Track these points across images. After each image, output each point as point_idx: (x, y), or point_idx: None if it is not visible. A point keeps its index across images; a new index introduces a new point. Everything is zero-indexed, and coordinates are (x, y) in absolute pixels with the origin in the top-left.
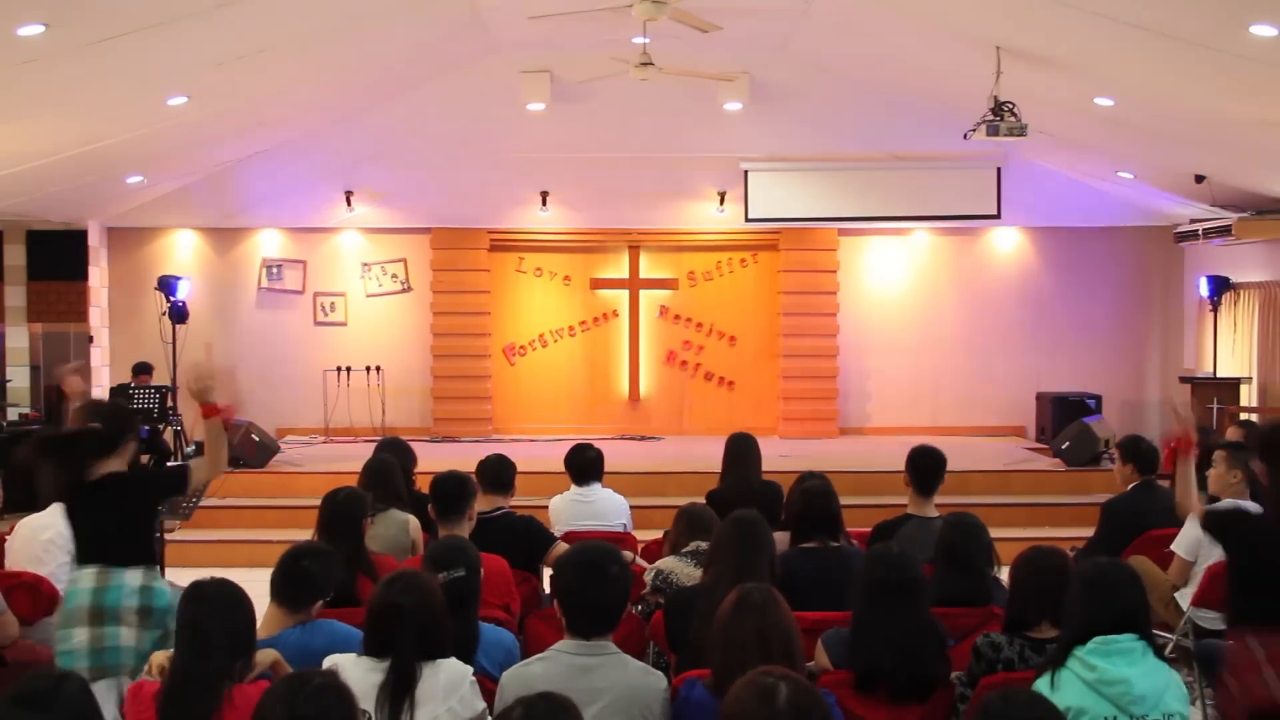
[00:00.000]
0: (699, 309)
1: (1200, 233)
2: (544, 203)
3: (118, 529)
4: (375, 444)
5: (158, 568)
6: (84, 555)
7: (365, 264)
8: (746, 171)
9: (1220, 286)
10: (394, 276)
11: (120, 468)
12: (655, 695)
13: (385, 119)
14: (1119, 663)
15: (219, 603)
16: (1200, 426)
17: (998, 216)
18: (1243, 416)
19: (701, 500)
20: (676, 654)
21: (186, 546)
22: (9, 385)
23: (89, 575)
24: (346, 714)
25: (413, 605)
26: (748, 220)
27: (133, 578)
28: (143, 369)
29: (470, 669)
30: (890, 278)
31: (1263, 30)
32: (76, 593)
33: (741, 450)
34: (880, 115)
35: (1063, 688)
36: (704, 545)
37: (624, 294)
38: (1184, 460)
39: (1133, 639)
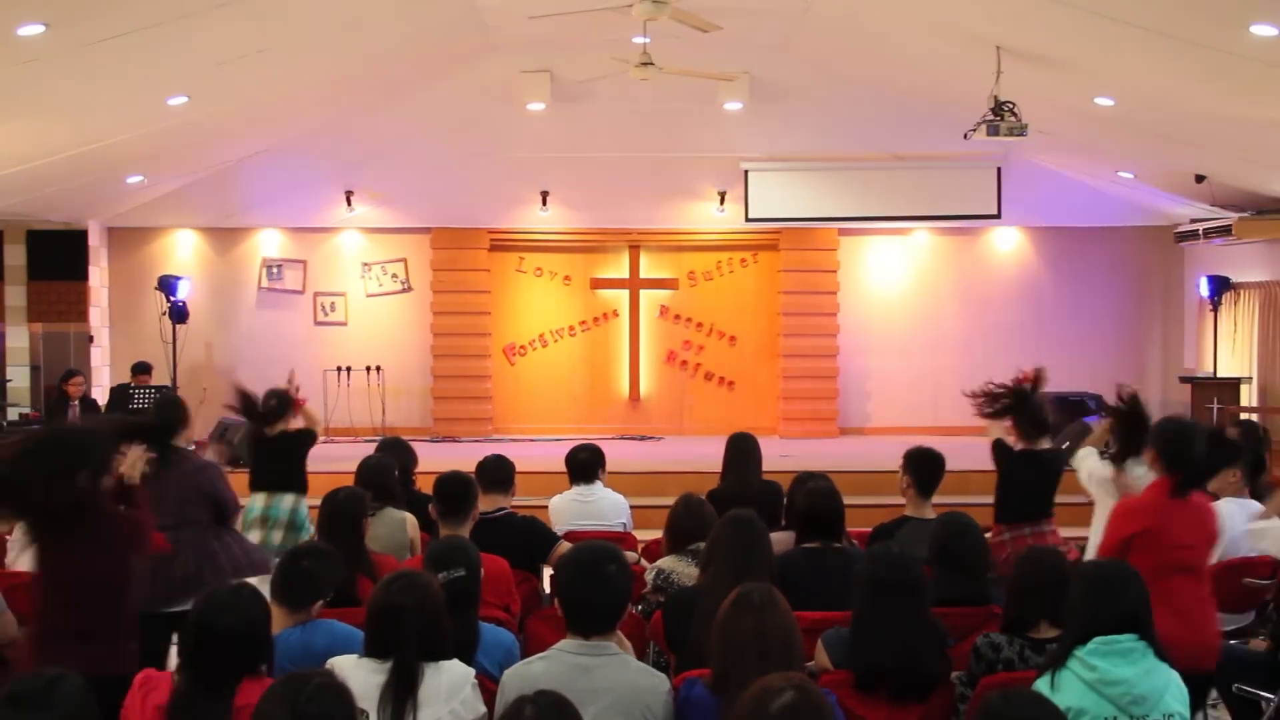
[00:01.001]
0: (699, 309)
1: (1200, 233)
2: (544, 203)
3: (282, 467)
4: (376, 444)
5: (304, 493)
6: (257, 485)
7: (365, 264)
8: (746, 171)
9: (1220, 286)
10: (394, 276)
11: (284, 429)
12: (657, 696)
13: (385, 119)
14: (1119, 663)
15: (226, 607)
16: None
17: (998, 216)
18: (1243, 416)
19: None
20: (676, 654)
21: None
22: (9, 385)
23: (261, 497)
24: (346, 714)
25: (413, 606)
26: (748, 220)
27: (287, 500)
28: (141, 369)
29: (472, 671)
30: (890, 278)
31: (1263, 30)
32: (253, 508)
33: (742, 450)
34: (880, 115)
35: (1063, 688)
36: (703, 545)
37: (624, 294)
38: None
39: (1133, 639)
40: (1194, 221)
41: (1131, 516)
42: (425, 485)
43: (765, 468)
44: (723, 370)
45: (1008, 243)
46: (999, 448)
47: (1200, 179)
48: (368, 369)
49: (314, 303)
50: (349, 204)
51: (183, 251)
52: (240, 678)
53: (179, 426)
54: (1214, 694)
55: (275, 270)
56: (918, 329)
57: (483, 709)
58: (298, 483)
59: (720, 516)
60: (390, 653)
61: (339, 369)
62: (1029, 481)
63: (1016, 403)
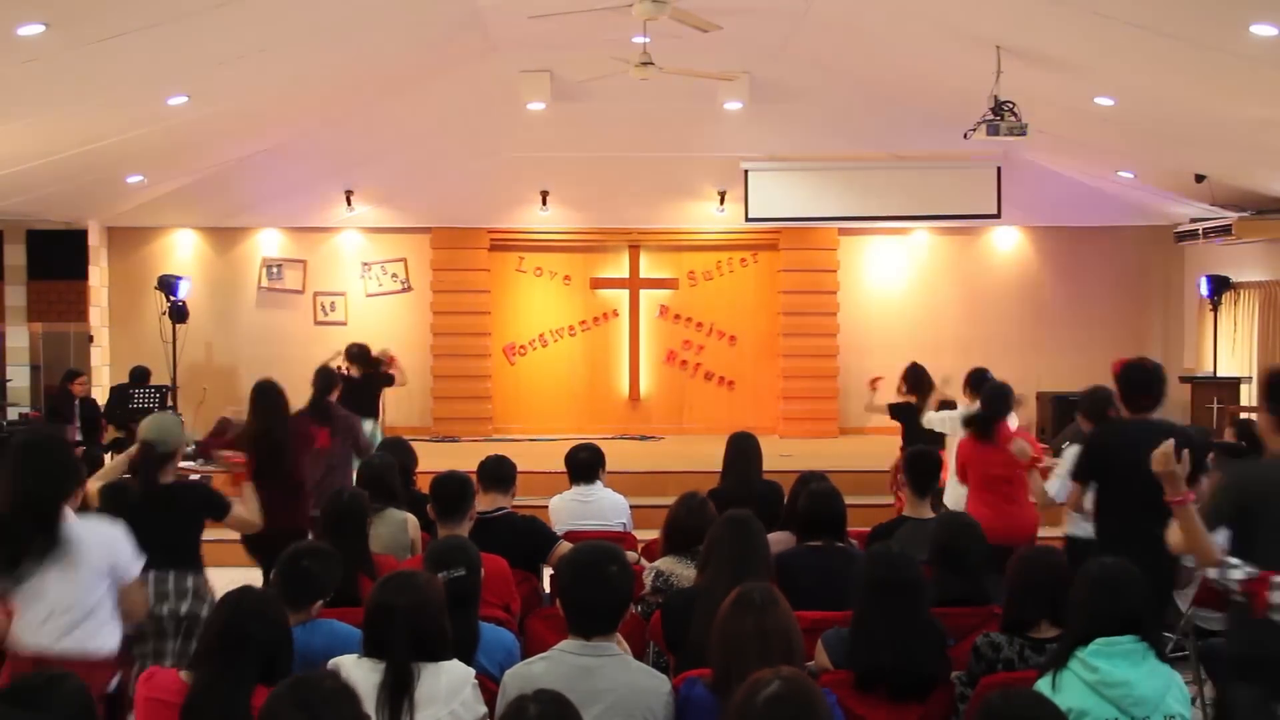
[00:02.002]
0: (699, 309)
1: (1200, 232)
2: (544, 202)
3: (361, 400)
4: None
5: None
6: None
7: (365, 264)
8: (746, 171)
9: (1220, 286)
10: (394, 276)
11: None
12: (658, 697)
13: (385, 119)
14: (1121, 664)
15: (259, 613)
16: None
17: (998, 216)
18: (1242, 416)
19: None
20: (674, 655)
21: None
22: (9, 385)
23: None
24: (355, 717)
25: (405, 605)
26: (748, 220)
27: (366, 424)
28: (140, 375)
29: (472, 671)
30: (890, 278)
31: (1263, 30)
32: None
33: (742, 450)
34: (880, 115)
35: (1064, 689)
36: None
37: (624, 294)
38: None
39: (1135, 640)
40: (1194, 221)
41: (962, 451)
42: (425, 485)
43: (765, 468)
44: (723, 370)
45: (1008, 242)
46: (895, 409)
47: (1200, 179)
48: None
49: (314, 302)
50: (349, 204)
51: (183, 251)
52: (256, 682)
53: (335, 387)
54: (1214, 694)
55: (275, 270)
56: (918, 329)
57: (483, 709)
58: (372, 412)
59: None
60: (385, 652)
61: (339, 369)
62: (920, 426)
63: (910, 377)
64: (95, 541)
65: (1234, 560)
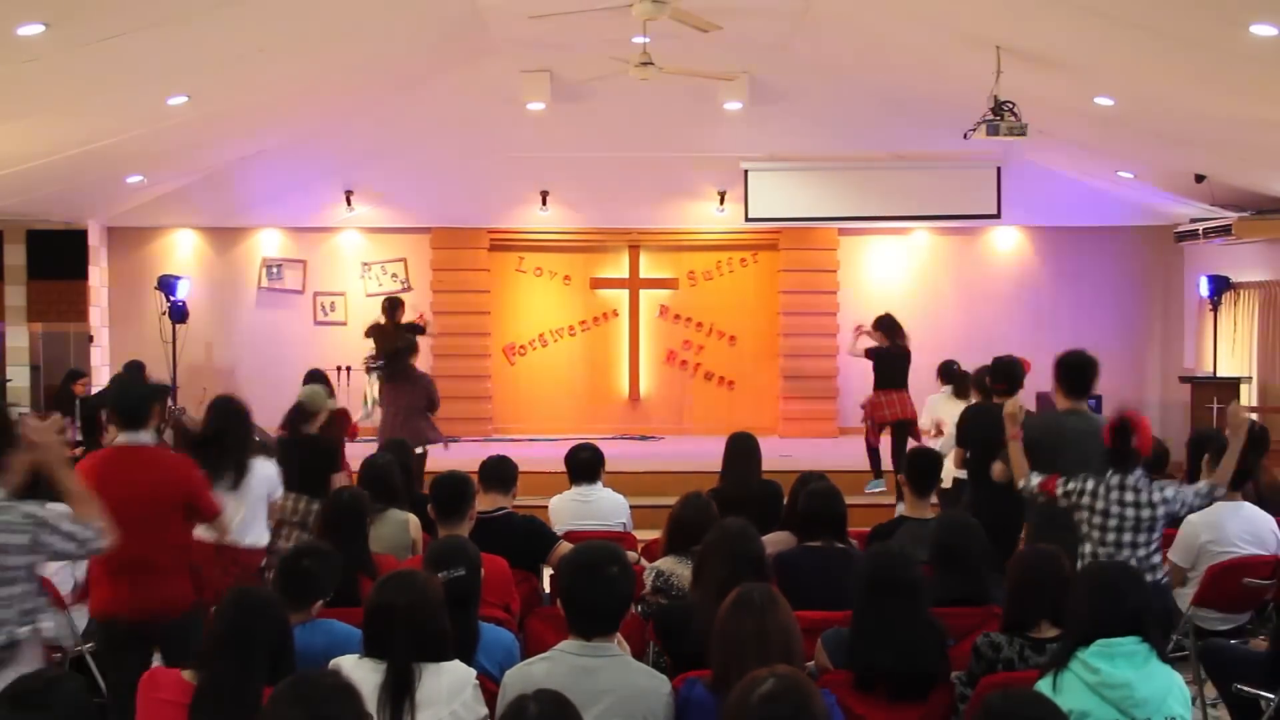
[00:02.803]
0: (699, 309)
1: (1200, 232)
2: (544, 202)
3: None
4: (376, 444)
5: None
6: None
7: (365, 264)
8: (746, 171)
9: (1220, 286)
10: (394, 276)
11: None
12: (659, 698)
13: (385, 119)
14: (1122, 666)
15: (264, 611)
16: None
17: (998, 216)
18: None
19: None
20: (671, 661)
21: None
22: (9, 385)
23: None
24: (358, 717)
25: (405, 605)
26: (748, 220)
27: None
28: (135, 369)
29: (473, 672)
30: (890, 278)
31: (1263, 30)
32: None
33: (742, 450)
34: (880, 115)
35: (1065, 690)
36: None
37: (624, 294)
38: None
39: (1136, 642)
40: (1194, 221)
41: None
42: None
43: (765, 468)
44: (723, 370)
45: (1007, 243)
46: (870, 351)
47: (1200, 179)
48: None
49: (314, 302)
50: (349, 204)
51: (182, 251)
52: (264, 680)
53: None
54: (1214, 694)
55: (275, 270)
56: (917, 329)
57: (483, 710)
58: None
59: (720, 518)
60: (385, 653)
61: (339, 368)
62: (890, 365)
63: (881, 324)
64: (260, 475)
65: (1035, 476)
